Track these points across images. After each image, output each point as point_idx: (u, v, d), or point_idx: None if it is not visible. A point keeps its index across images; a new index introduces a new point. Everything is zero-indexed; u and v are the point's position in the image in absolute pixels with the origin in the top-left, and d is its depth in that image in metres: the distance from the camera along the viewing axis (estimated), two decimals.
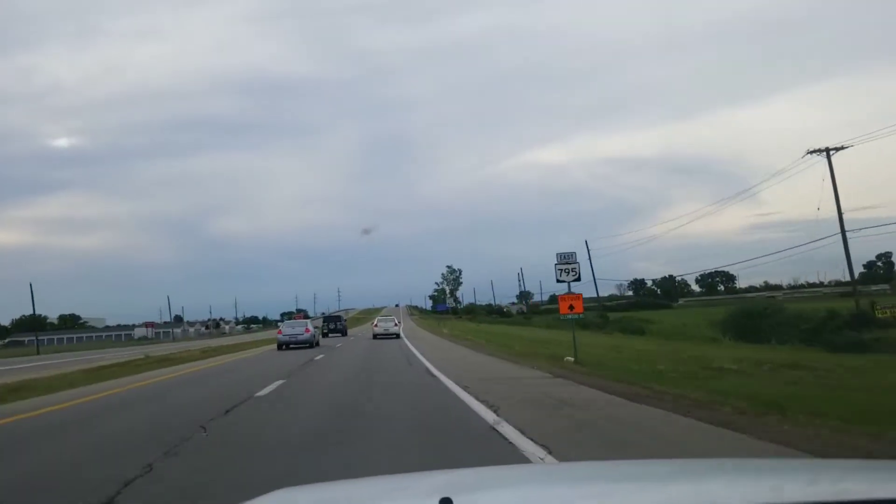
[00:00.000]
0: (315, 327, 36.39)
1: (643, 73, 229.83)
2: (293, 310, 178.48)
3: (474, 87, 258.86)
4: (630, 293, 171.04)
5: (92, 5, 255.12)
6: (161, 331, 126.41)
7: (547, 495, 1.73)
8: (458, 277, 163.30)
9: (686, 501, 1.54)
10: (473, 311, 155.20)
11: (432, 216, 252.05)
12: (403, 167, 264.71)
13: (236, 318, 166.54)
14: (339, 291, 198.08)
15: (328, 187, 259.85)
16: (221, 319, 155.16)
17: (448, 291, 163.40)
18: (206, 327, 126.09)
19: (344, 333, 51.37)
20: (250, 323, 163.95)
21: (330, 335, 49.49)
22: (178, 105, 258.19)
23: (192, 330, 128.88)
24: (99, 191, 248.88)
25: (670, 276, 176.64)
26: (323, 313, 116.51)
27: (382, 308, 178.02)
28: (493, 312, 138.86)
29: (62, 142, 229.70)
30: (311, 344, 31.74)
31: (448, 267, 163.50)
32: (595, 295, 79.35)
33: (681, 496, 1.61)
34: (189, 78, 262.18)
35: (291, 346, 31.26)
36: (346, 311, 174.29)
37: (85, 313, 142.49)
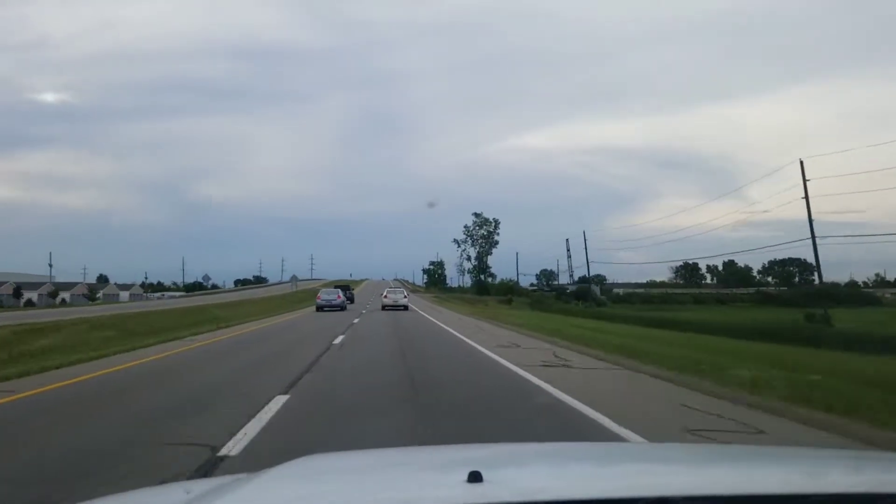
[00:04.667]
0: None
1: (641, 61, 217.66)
2: (251, 277, 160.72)
3: (468, 66, 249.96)
4: (680, 280, 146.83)
5: None
6: None
7: (577, 473, 1.76)
8: (492, 233, 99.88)
9: (722, 485, 1.49)
10: (513, 292, 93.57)
11: (417, 193, 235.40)
12: (390, 141, 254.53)
13: (174, 283, 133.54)
14: (312, 259, 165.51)
15: (310, 157, 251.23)
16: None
17: (473, 257, 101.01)
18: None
19: (352, 301, 50.96)
20: (193, 290, 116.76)
21: None
22: (167, 66, 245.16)
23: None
24: (76, 148, 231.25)
25: (731, 262, 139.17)
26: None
27: (363, 280, 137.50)
28: (571, 296, 76.08)
29: (48, 97, 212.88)
30: (342, 307, 39.42)
31: (476, 216, 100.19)
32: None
33: (716, 480, 1.59)
34: (180, 39, 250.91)
35: (325, 308, 38.43)
36: (301, 280, 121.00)
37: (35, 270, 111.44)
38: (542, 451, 2.40)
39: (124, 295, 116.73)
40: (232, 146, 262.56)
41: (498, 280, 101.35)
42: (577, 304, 67.60)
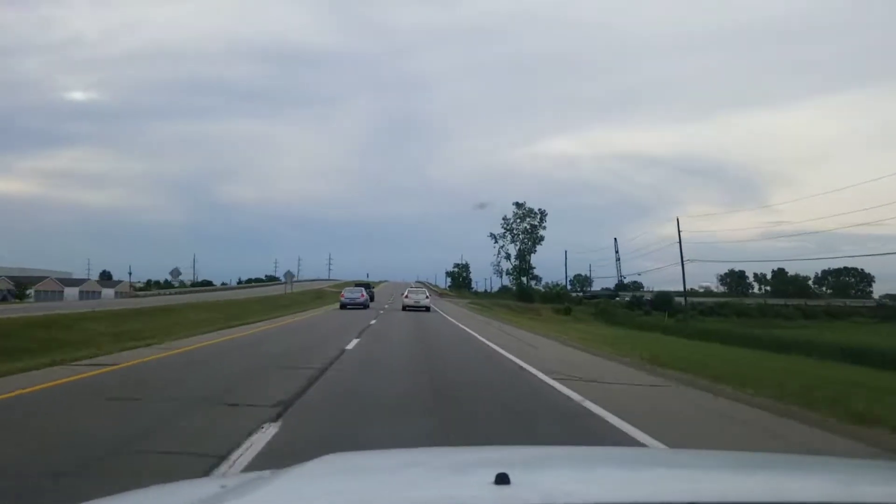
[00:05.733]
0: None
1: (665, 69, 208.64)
2: (263, 276, 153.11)
3: (493, 71, 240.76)
4: (723, 289, 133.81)
5: None
6: None
7: (605, 478, 1.73)
8: (536, 227, 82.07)
9: (752, 493, 1.49)
10: (562, 298, 76.25)
11: (437, 197, 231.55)
12: (412, 145, 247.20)
13: (182, 281, 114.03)
14: (329, 259, 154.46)
15: (331, 159, 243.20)
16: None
17: (513, 255, 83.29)
18: None
19: (372, 299, 48.57)
20: (201, 286, 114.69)
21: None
22: (191, 67, 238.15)
23: None
24: (100, 147, 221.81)
25: (780, 270, 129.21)
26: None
27: (381, 282, 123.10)
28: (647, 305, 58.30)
29: (77, 95, 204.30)
30: (364, 305, 39.71)
31: (518, 206, 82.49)
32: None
33: (746, 487, 1.58)
34: (207, 41, 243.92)
35: (349, 306, 38.59)
36: (311, 280, 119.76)
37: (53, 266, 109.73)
38: (569, 455, 2.33)
39: (108, 292, 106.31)
40: (254, 147, 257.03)
41: (542, 283, 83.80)
42: (660, 316, 49.97)
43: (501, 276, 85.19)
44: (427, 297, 39.93)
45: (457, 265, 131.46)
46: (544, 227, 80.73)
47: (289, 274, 54.98)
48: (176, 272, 55.64)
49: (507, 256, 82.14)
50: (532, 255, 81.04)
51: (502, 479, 1.32)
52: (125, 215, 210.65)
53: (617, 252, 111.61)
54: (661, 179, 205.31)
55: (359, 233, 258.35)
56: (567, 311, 53.38)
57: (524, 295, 76.55)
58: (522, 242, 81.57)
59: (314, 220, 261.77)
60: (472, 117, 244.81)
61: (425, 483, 1.66)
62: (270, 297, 48.95)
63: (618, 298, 75.09)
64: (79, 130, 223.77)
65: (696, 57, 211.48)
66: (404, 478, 1.72)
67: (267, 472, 1.77)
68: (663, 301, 58.70)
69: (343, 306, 38.72)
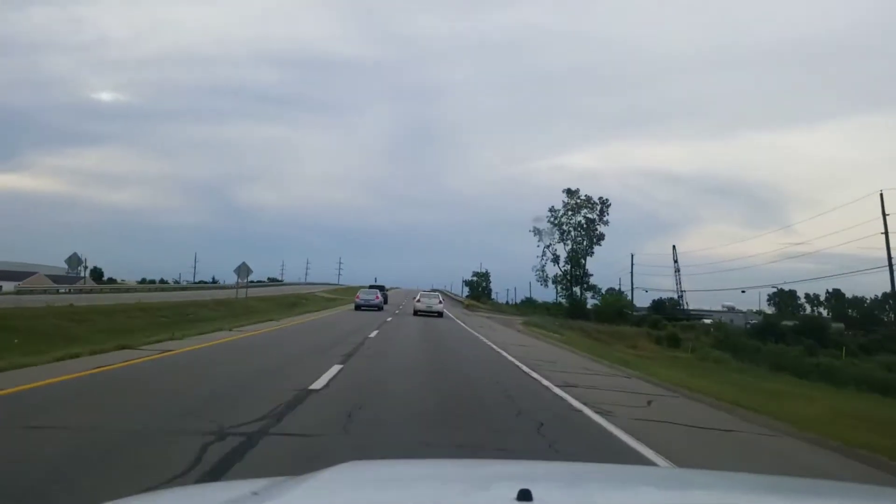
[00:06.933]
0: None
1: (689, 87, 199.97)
2: (265, 278, 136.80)
3: (514, 83, 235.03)
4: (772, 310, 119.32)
5: None
6: None
7: (631, 497, 1.72)
8: (594, 222, 62.58)
9: None
10: (624, 318, 57.48)
11: (454, 208, 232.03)
12: (429, 154, 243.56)
13: (176, 281, 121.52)
14: (340, 262, 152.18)
15: (347, 166, 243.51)
16: None
17: (562, 258, 63.84)
18: None
19: (385, 301, 49.78)
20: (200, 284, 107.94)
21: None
22: (212, 71, 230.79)
23: None
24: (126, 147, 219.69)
25: (836, 290, 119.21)
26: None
27: (392, 288, 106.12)
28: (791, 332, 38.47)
29: (104, 95, 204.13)
30: (379, 307, 40.33)
31: (569, 193, 63.11)
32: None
33: None
34: (233, 45, 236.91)
35: (363, 308, 39.47)
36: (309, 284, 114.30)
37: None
38: (592, 472, 2.30)
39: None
40: (272, 151, 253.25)
41: (601, 295, 64.18)
42: (833, 356, 30.76)
43: (547, 284, 65.66)
44: (440, 303, 39.08)
45: (476, 273, 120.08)
46: (606, 222, 61.62)
47: (243, 268, 35.61)
48: (74, 259, 37.09)
49: (555, 259, 62.95)
50: (589, 257, 61.91)
51: (525, 496, 1.29)
52: (140, 215, 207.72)
53: (676, 262, 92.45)
54: (681, 197, 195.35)
55: (372, 239, 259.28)
56: (674, 341, 34.65)
57: (577, 311, 57.37)
58: (575, 241, 62.45)
59: (328, 224, 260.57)
60: (492, 128, 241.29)
61: (446, 496, 1.63)
62: (200, 301, 30.15)
63: (707, 320, 56.25)
64: (100, 130, 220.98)
65: (720, 75, 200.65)
66: (425, 490, 1.71)
67: (284, 479, 1.73)
68: (814, 329, 38.93)
69: (358, 307, 39.50)
